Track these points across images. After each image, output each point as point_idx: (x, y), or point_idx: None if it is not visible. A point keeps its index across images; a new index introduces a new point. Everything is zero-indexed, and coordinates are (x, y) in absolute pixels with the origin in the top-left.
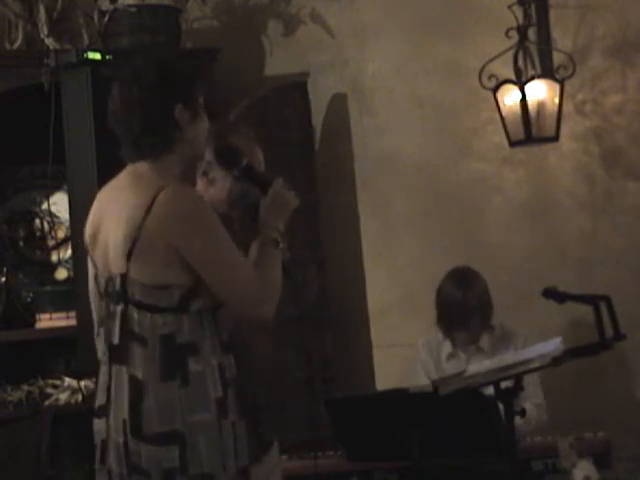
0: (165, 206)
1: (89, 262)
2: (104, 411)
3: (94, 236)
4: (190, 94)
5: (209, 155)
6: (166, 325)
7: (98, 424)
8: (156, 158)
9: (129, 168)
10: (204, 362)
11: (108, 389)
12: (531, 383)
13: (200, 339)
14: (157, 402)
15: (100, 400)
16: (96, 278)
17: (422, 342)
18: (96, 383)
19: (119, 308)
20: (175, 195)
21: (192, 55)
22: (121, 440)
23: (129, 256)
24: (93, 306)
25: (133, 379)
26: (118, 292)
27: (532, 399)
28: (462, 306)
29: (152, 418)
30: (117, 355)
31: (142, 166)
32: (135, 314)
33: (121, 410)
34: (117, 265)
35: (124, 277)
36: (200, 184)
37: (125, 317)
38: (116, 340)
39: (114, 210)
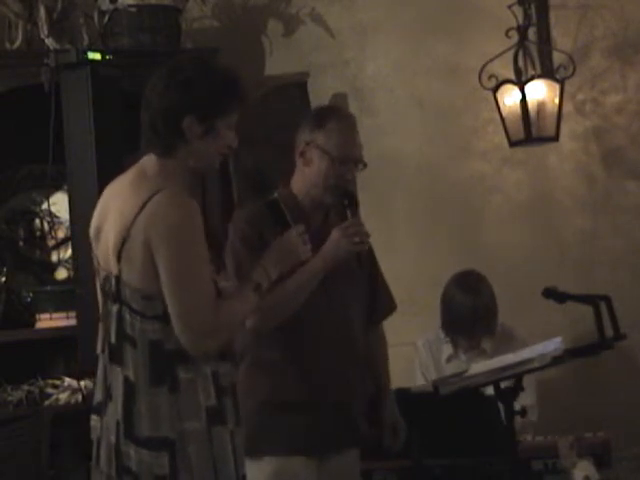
0: (156, 208)
1: (94, 258)
2: (100, 408)
3: (98, 231)
4: (208, 110)
5: (308, 136)
6: (155, 331)
7: (94, 421)
8: (159, 156)
9: (140, 162)
10: (195, 370)
11: (105, 387)
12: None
13: None
14: (147, 406)
15: (97, 397)
16: (98, 273)
17: (422, 342)
18: (95, 379)
19: (114, 308)
20: (168, 199)
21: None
22: (113, 440)
23: (119, 257)
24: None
25: (127, 380)
26: (114, 292)
27: (524, 400)
28: (470, 315)
29: (143, 421)
30: (113, 355)
31: (149, 163)
32: (127, 315)
33: (116, 410)
34: (111, 264)
35: (118, 278)
36: (298, 163)
37: (120, 317)
38: (113, 339)
39: (116, 206)
